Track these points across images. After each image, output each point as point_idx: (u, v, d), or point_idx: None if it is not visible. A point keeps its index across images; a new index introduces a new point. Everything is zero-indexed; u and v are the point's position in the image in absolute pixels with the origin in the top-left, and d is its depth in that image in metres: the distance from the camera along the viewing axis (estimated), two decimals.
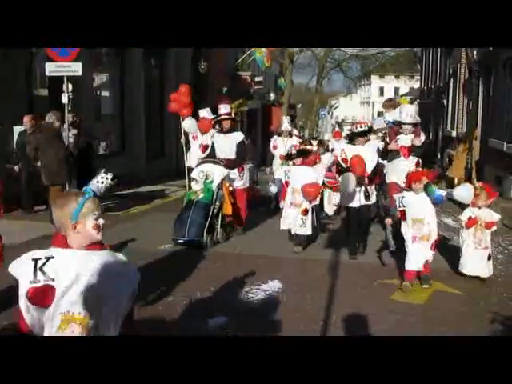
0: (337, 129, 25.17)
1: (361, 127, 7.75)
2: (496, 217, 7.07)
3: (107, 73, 16.35)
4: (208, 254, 7.95)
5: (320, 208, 11.17)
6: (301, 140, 12.34)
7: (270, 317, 5.56)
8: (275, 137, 12.25)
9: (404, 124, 8.22)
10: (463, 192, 7.13)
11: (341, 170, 7.93)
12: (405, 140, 8.19)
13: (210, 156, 9.26)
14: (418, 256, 6.49)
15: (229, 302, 5.96)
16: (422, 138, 8.32)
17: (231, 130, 9.26)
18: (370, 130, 8.17)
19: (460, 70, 21.84)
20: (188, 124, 11.10)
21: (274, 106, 34.65)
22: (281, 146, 11.68)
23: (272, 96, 35.47)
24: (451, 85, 24.03)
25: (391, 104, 10.39)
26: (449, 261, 7.76)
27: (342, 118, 69.95)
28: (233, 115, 9.47)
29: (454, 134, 22.47)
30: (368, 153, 7.65)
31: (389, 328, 5.26)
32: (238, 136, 9.34)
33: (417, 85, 38.19)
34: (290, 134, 12.01)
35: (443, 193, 6.98)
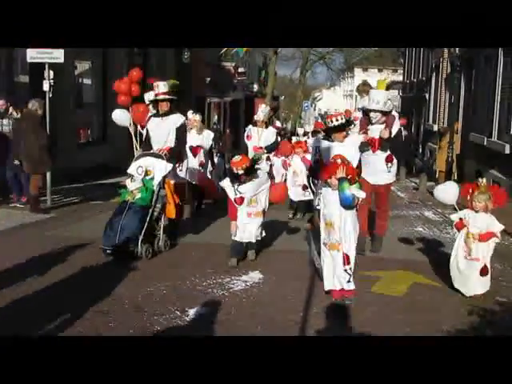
0: (319, 120, 25.11)
1: (337, 120, 6.33)
2: (498, 227, 5.89)
3: (89, 60, 16.19)
4: (189, 243, 7.93)
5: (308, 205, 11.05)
6: (279, 131, 11.84)
7: (250, 307, 5.57)
8: (250, 126, 11.28)
9: (370, 111, 7.23)
10: (442, 192, 6.45)
11: (313, 171, 6.98)
12: (376, 131, 7.24)
13: (145, 147, 7.82)
14: (329, 270, 5.70)
15: (209, 292, 5.95)
16: (394, 129, 7.32)
17: (169, 113, 7.78)
18: (349, 123, 6.79)
19: (442, 64, 22.00)
20: (118, 116, 8.42)
21: (258, 98, 34.60)
22: (255, 136, 10.84)
23: (255, 87, 35.46)
24: (433, 79, 24.18)
25: (364, 89, 9.11)
26: (428, 253, 7.83)
27: (324, 111, 70.05)
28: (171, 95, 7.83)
29: (435, 127, 22.63)
30: (348, 151, 6.26)
31: (364, 320, 5.31)
32: (178, 119, 7.83)
33: (400, 78, 38.31)
34: (266, 125, 11.05)
35: (360, 194, 5.50)
